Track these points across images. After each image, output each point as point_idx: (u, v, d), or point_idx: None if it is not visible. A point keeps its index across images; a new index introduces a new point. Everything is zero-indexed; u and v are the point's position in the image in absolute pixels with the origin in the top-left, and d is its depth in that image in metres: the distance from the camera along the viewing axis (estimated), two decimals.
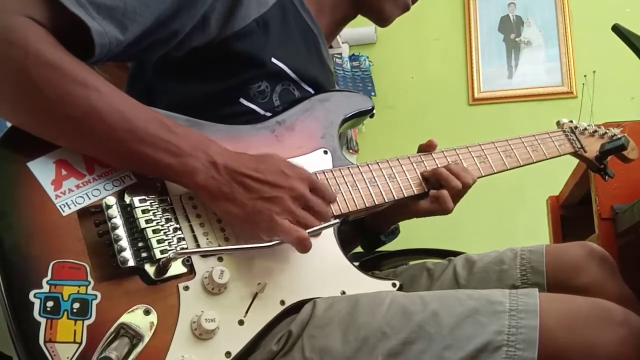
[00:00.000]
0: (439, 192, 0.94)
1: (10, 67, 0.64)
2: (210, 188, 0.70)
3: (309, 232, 0.72)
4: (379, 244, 1.11)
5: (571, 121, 1.20)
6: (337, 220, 0.76)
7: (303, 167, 0.77)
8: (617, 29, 0.99)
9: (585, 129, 1.17)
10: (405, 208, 0.99)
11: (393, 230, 1.11)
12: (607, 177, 1.17)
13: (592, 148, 1.15)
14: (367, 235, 1.10)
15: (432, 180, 0.95)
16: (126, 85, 0.95)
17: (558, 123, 1.19)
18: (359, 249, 1.14)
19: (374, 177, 0.90)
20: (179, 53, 0.82)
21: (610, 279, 0.90)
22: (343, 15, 1.06)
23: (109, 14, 0.69)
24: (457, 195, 0.96)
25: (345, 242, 1.09)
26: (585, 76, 2.38)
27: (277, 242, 0.72)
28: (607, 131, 1.18)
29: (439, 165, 0.96)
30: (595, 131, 1.17)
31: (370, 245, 1.11)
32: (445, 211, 0.96)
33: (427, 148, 1.00)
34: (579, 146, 1.14)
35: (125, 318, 0.63)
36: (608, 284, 0.89)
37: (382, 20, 1.06)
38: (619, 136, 1.15)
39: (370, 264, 1.15)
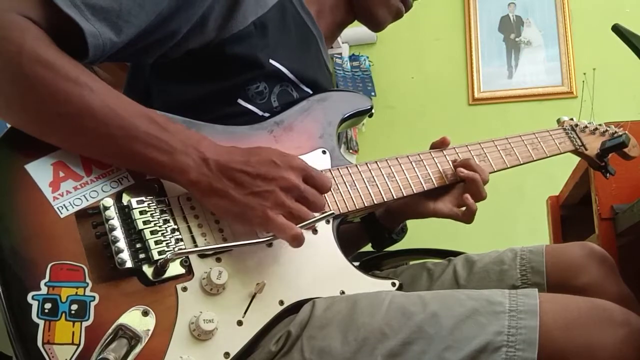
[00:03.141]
0: (465, 198, 0.95)
1: (5, 64, 0.64)
2: (202, 185, 0.70)
3: (302, 226, 0.71)
4: (390, 242, 1.10)
5: (572, 119, 1.19)
6: (331, 211, 0.75)
7: (295, 156, 0.75)
8: (617, 29, 0.98)
9: (586, 126, 1.17)
10: (418, 207, 0.99)
11: (403, 228, 1.10)
12: (608, 174, 1.17)
13: (593, 146, 1.15)
14: (378, 234, 1.09)
15: (449, 175, 0.95)
16: (124, 86, 0.95)
17: (559, 121, 1.19)
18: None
19: (373, 177, 0.90)
20: (176, 55, 0.82)
21: (610, 279, 0.90)
22: (342, 17, 1.06)
23: (103, 16, 0.69)
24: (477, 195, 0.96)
25: (355, 241, 1.09)
26: (584, 74, 2.37)
27: (271, 237, 0.71)
28: (608, 129, 1.18)
29: (439, 165, 0.96)
30: (596, 129, 1.17)
31: (381, 244, 1.10)
32: (470, 214, 0.96)
33: (440, 145, 1.00)
34: (580, 144, 1.13)
35: (124, 319, 0.63)
36: (608, 284, 0.89)
37: (375, 25, 1.07)
38: (620, 133, 1.15)
39: (371, 264, 1.15)
